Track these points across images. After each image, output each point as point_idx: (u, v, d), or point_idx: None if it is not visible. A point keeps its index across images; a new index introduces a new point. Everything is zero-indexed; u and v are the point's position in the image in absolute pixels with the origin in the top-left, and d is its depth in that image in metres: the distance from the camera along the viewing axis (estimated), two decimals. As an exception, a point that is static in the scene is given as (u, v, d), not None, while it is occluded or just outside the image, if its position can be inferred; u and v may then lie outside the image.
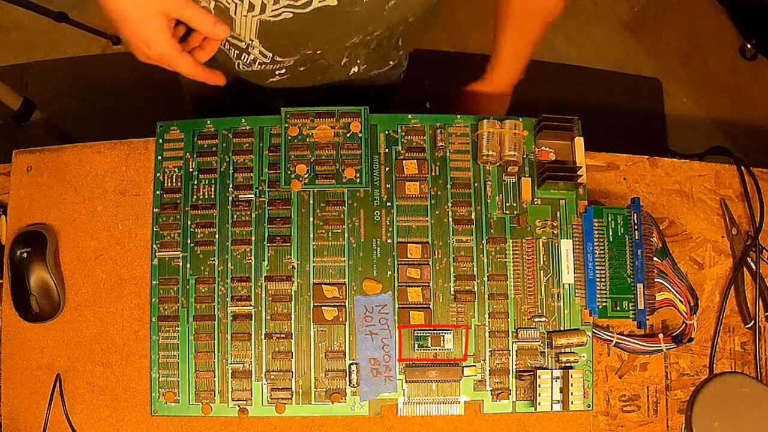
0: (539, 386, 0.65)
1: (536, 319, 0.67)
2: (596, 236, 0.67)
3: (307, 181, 0.69)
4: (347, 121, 0.70)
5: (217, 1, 0.58)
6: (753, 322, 0.72)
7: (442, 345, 0.66)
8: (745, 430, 0.68)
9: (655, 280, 0.67)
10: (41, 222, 0.71)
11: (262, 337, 0.66)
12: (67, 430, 0.67)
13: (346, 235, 0.68)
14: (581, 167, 0.69)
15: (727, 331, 0.73)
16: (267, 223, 0.68)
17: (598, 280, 0.66)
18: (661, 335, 0.70)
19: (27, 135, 1.28)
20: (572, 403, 0.65)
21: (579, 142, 0.70)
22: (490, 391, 0.66)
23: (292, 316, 0.67)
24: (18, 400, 0.69)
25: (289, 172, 0.69)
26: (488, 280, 0.67)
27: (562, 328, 0.67)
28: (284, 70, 0.69)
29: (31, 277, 0.68)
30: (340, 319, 0.66)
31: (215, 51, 0.58)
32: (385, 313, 0.67)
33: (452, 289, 0.67)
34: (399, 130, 0.70)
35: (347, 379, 0.66)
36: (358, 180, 0.68)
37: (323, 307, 0.66)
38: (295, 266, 0.67)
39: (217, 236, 0.68)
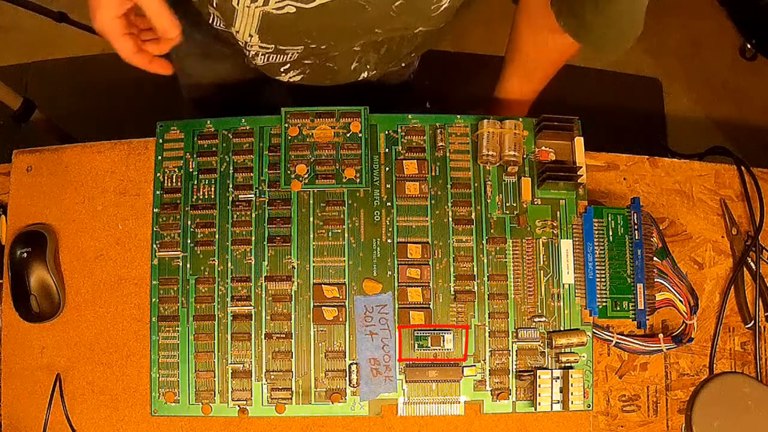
0: (539, 386, 0.65)
1: (536, 319, 0.67)
2: (596, 236, 0.67)
3: (307, 181, 0.68)
4: (347, 121, 0.70)
5: None
6: (753, 322, 0.72)
7: (442, 345, 0.66)
8: (745, 430, 0.68)
9: (655, 280, 0.67)
10: (41, 222, 0.71)
11: (262, 337, 0.66)
12: (67, 430, 0.67)
13: (346, 235, 0.68)
14: (581, 167, 0.69)
15: (727, 331, 0.73)
16: (267, 223, 0.68)
17: (598, 280, 0.66)
18: (661, 335, 0.70)
19: (27, 135, 1.29)
20: (572, 403, 0.65)
21: (579, 142, 0.70)
22: (490, 391, 0.66)
23: (292, 316, 0.67)
24: (18, 400, 0.69)
25: (289, 172, 0.69)
26: (488, 280, 0.67)
27: (562, 328, 0.67)
28: (289, 65, 0.69)
29: (31, 277, 0.68)
30: (340, 319, 0.66)
31: (166, 51, 0.57)
32: (385, 313, 0.67)
33: (452, 289, 0.67)
34: (399, 130, 0.70)
35: (347, 379, 0.66)
36: (358, 180, 0.68)
37: (323, 307, 0.66)
38: (295, 266, 0.67)
39: (217, 236, 0.68)
